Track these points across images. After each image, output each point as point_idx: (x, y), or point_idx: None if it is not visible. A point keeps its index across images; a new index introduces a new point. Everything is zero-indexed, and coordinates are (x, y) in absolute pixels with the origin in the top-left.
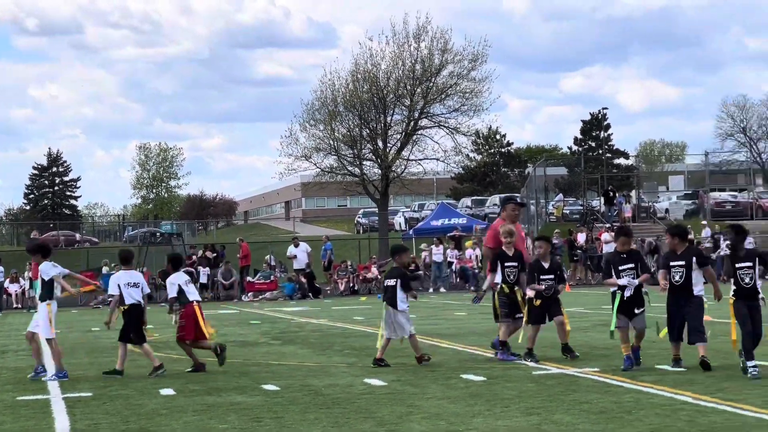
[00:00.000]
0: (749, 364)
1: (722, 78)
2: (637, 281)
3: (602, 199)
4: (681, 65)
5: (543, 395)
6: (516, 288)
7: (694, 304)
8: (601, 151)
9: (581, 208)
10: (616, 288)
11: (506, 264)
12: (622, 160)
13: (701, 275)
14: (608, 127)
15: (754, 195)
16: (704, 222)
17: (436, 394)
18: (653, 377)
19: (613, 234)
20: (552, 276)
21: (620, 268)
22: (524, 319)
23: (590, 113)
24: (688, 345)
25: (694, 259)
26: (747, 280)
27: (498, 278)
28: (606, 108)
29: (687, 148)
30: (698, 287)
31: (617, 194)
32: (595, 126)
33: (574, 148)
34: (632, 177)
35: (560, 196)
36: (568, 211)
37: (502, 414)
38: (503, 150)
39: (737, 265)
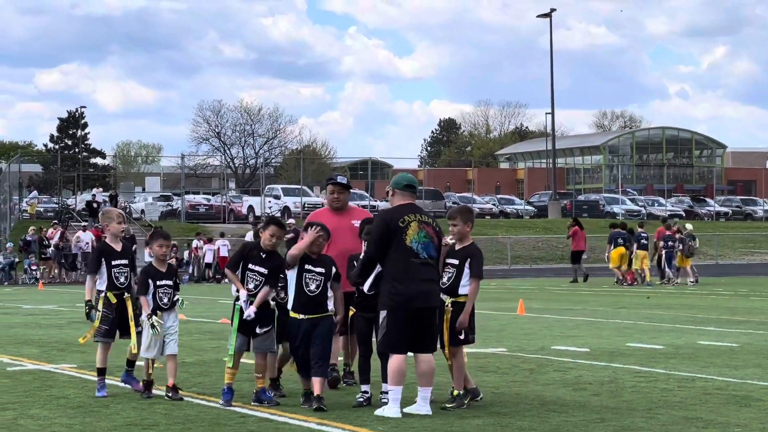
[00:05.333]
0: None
1: (198, 82)
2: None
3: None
4: (158, 68)
5: (19, 391)
6: (126, 296)
7: None
8: (77, 150)
9: (56, 205)
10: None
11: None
12: (99, 160)
13: None
14: (86, 125)
15: (227, 198)
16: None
17: None
18: None
19: (84, 233)
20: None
21: (253, 268)
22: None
23: (68, 111)
24: None
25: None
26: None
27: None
28: (84, 107)
29: (163, 150)
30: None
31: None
32: (72, 124)
33: (51, 145)
34: (109, 177)
35: (35, 193)
36: (42, 209)
37: None
38: None
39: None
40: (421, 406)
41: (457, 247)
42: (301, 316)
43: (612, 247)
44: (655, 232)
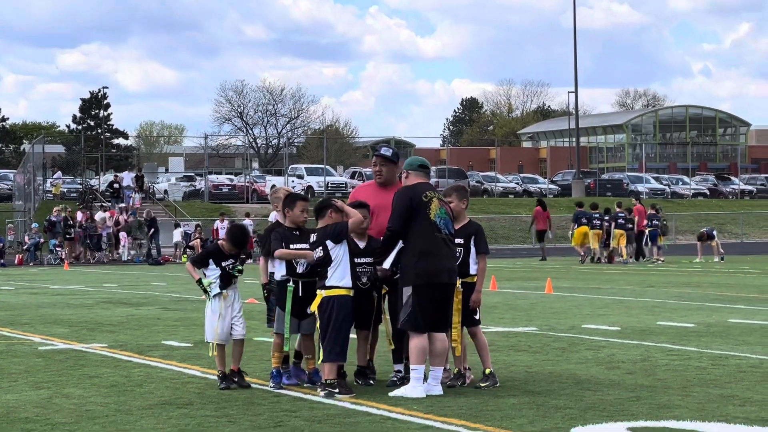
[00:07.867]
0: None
1: (220, 63)
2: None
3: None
4: (180, 48)
5: (52, 370)
6: None
7: None
8: (100, 130)
9: (80, 186)
10: (285, 275)
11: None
12: (121, 140)
13: None
14: (108, 106)
15: (250, 179)
16: None
17: None
18: (161, 352)
19: (107, 214)
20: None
21: (292, 247)
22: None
23: (90, 92)
24: None
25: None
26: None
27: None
28: (107, 87)
29: (185, 130)
30: None
31: (123, 189)
32: (94, 105)
33: (73, 126)
34: (132, 157)
35: (59, 174)
36: (66, 189)
37: (10, 388)
38: None
39: None
40: (433, 387)
41: (457, 226)
42: (351, 294)
43: (576, 226)
44: (634, 211)
